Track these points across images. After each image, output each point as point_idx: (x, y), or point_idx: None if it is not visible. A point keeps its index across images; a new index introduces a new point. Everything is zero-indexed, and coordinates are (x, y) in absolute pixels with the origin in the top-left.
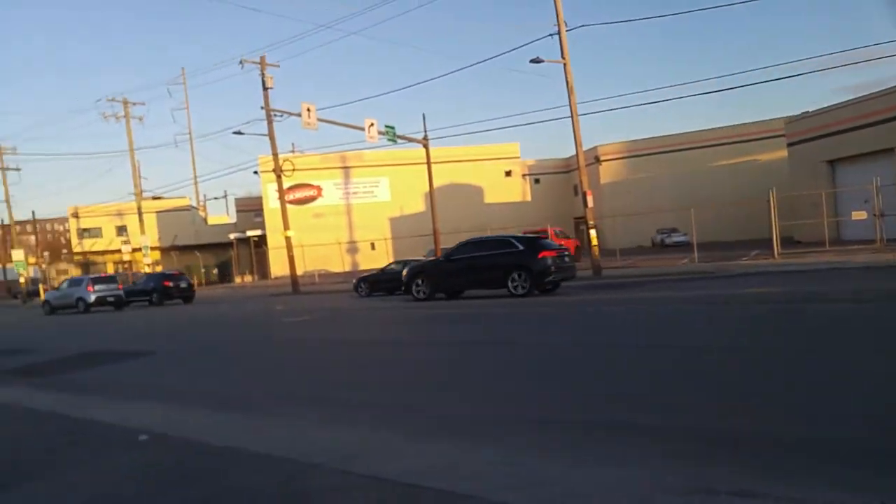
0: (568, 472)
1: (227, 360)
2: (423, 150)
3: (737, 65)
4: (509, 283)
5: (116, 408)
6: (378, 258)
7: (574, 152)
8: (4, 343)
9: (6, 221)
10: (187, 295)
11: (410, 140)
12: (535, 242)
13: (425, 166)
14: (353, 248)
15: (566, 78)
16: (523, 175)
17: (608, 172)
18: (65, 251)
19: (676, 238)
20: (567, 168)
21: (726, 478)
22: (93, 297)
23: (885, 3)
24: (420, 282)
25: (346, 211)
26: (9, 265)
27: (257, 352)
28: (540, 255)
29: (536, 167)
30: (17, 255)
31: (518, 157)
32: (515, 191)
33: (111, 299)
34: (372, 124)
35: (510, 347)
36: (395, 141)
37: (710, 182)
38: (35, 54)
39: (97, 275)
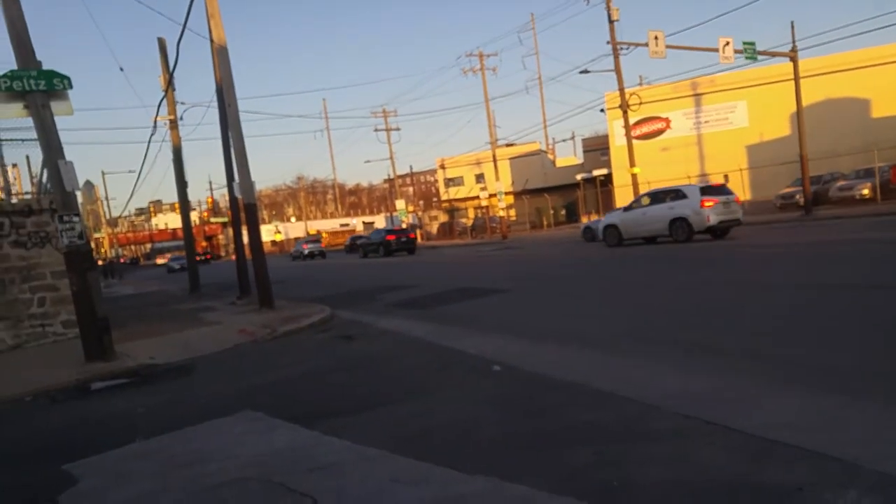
0: None
1: (572, 299)
2: (790, 64)
3: None
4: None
5: (477, 340)
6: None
7: None
8: (390, 281)
9: (391, 176)
10: (410, 248)
11: (774, 55)
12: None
13: (792, 83)
14: (704, 182)
15: None
16: None
17: None
18: (435, 199)
19: None
20: None
21: None
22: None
23: None
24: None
25: (697, 142)
26: (394, 213)
27: (597, 289)
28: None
29: None
30: (400, 204)
31: None
32: None
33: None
34: (727, 43)
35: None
36: (755, 59)
37: None
38: (402, 22)
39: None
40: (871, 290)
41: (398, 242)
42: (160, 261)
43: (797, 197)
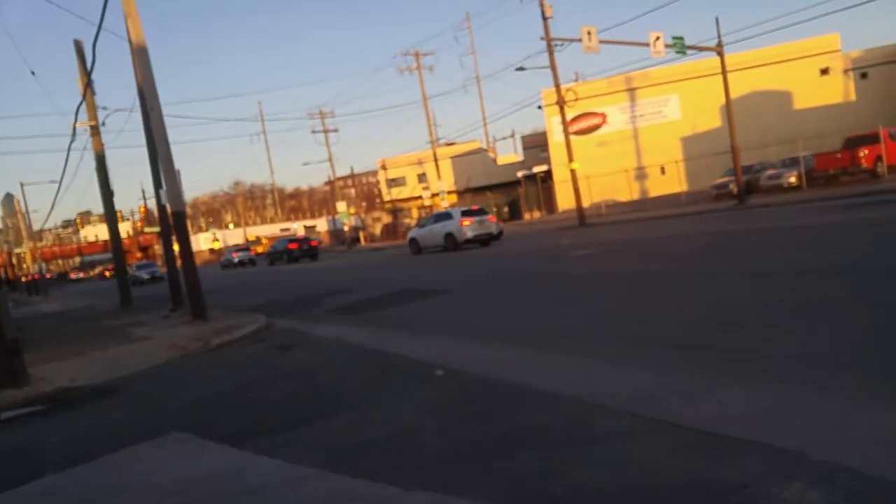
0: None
1: (517, 298)
2: (718, 59)
3: None
4: None
5: (418, 343)
6: (669, 183)
7: None
8: (328, 286)
9: (331, 178)
10: (312, 254)
11: (702, 49)
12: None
13: (720, 77)
14: (640, 175)
15: None
16: (845, 71)
17: None
18: (378, 200)
19: None
20: None
21: None
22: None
23: None
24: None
25: (633, 136)
26: (335, 216)
27: (543, 287)
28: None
29: (863, 59)
30: (341, 206)
31: (837, 51)
32: (834, 91)
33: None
34: (657, 38)
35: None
36: (683, 53)
37: None
38: (333, 24)
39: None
40: (802, 275)
41: (300, 250)
42: (76, 275)
43: (730, 186)
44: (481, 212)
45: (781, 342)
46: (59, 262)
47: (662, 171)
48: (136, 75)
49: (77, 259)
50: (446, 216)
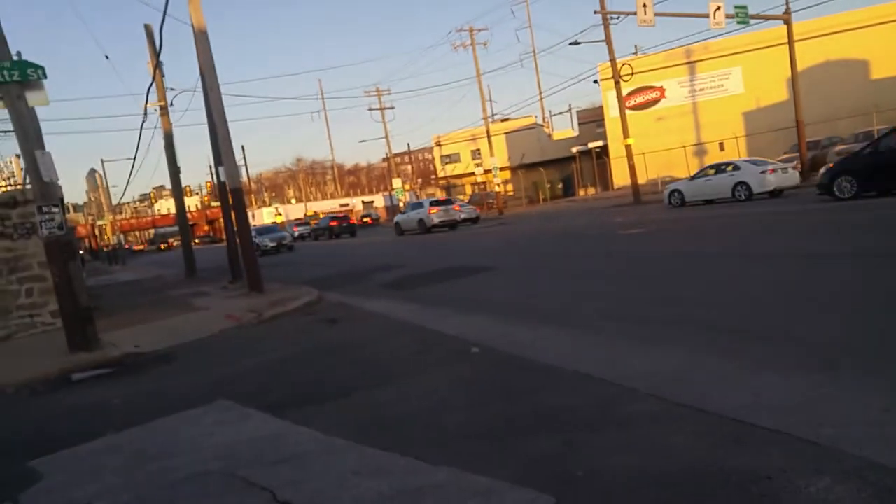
0: None
1: (557, 278)
2: (785, 27)
3: None
4: None
5: (459, 320)
6: (728, 158)
7: None
8: (381, 261)
9: (387, 155)
10: (351, 231)
11: (767, 18)
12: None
13: (787, 46)
14: (699, 151)
15: None
16: None
17: None
18: (433, 177)
19: None
20: None
21: None
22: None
23: None
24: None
25: (692, 110)
26: (391, 191)
27: (587, 267)
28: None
29: None
30: (396, 183)
31: None
32: None
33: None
34: (718, 8)
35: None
36: (747, 22)
37: None
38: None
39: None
40: (858, 258)
41: (340, 227)
42: (141, 247)
43: (794, 163)
44: (447, 202)
45: (827, 330)
46: (136, 233)
47: (721, 146)
48: (198, 57)
49: (151, 231)
50: (419, 205)
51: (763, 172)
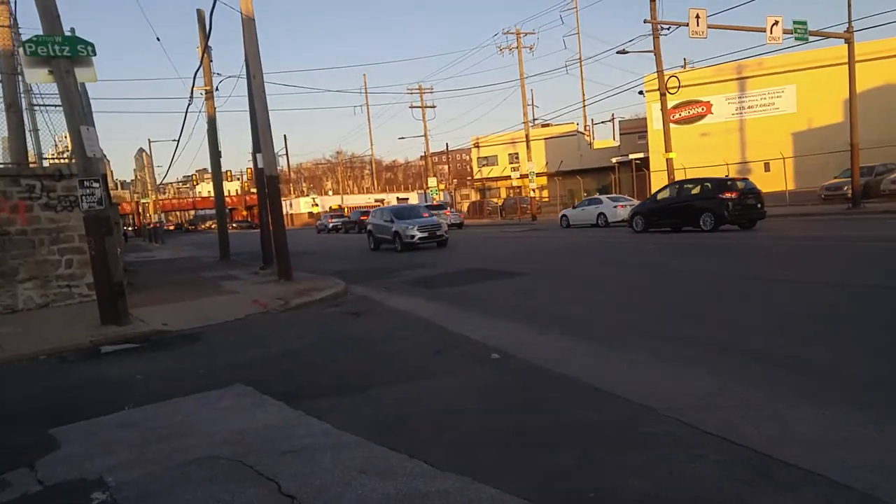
0: None
1: (587, 287)
2: (845, 46)
3: None
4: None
5: (481, 324)
6: (773, 181)
7: None
8: (409, 259)
9: (425, 154)
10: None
11: (827, 36)
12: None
13: (846, 66)
14: (743, 170)
15: None
16: None
17: None
18: (469, 178)
19: None
20: None
21: None
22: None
23: None
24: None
25: (739, 127)
26: (427, 190)
27: (618, 278)
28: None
29: None
30: (432, 182)
31: None
32: None
33: None
34: (776, 22)
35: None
36: (805, 40)
37: None
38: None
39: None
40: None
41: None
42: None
43: (845, 189)
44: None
45: (869, 365)
46: (177, 213)
47: (767, 167)
48: (244, 43)
49: (191, 212)
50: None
51: (615, 207)
